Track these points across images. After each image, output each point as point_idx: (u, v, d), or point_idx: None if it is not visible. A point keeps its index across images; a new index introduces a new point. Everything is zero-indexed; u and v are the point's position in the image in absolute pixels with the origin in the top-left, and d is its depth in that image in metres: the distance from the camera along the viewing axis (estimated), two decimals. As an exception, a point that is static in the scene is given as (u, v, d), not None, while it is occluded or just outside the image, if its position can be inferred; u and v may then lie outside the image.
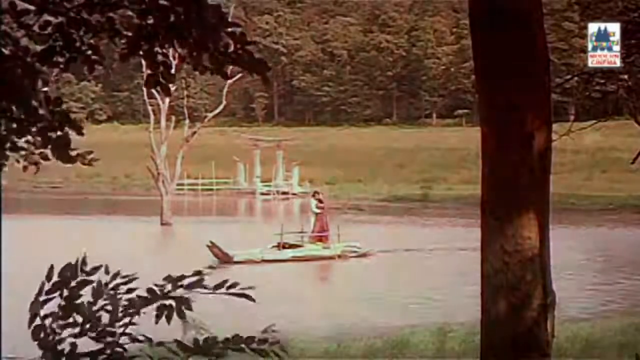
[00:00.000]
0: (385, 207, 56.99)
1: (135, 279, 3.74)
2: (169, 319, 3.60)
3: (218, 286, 3.71)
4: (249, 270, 28.07)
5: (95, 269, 3.73)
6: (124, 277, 3.73)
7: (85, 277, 3.71)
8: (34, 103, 4.20)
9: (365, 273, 28.45)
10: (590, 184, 64.32)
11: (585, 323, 17.55)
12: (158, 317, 3.61)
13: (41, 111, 4.23)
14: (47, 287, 3.72)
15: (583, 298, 23.08)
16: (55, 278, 3.71)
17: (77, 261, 3.74)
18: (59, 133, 4.29)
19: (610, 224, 44.76)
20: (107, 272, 3.76)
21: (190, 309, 3.62)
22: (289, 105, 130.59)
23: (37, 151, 4.44)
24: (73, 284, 3.69)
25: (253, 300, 3.68)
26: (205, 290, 3.68)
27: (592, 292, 24.49)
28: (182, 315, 3.59)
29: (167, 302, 3.62)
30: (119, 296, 3.68)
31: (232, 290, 3.72)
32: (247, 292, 3.74)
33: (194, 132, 48.09)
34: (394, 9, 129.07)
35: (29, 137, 4.33)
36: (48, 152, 4.38)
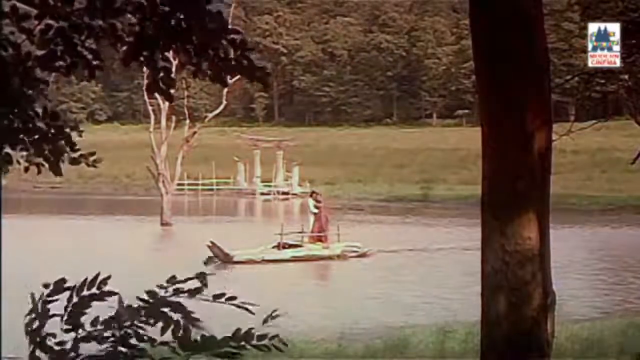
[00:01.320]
0: (386, 207, 57.00)
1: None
2: (175, 333, 3.60)
3: (217, 296, 3.71)
4: (249, 270, 28.09)
5: (111, 294, 3.73)
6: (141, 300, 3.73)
7: (98, 293, 3.72)
8: (31, 114, 4.21)
9: (365, 273, 28.43)
10: (590, 184, 64.28)
11: (585, 323, 17.54)
12: (163, 329, 3.61)
13: (38, 123, 4.25)
14: (51, 289, 3.72)
15: (597, 298, 23.17)
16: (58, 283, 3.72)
17: (97, 276, 3.75)
18: (51, 146, 4.31)
19: (614, 224, 44.83)
20: (120, 301, 3.76)
21: (197, 325, 3.63)
22: (289, 106, 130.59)
23: (36, 160, 4.45)
24: (85, 293, 3.69)
25: (252, 313, 3.69)
26: (205, 298, 3.68)
27: (605, 291, 24.52)
28: (187, 334, 3.59)
29: (174, 316, 3.62)
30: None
31: (233, 302, 3.71)
32: (248, 305, 3.74)
33: (194, 132, 48.08)
34: (394, 9, 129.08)
35: (25, 145, 4.34)
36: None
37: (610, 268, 29.57)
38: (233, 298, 3.72)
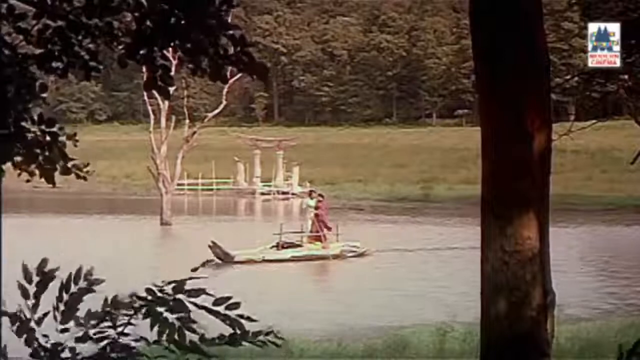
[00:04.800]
0: (386, 207, 56.98)
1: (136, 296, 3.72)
2: (161, 334, 3.56)
3: (217, 302, 3.68)
4: (249, 270, 28.09)
5: (98, 281, 3.71)
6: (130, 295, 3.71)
7: (87, 286, 3.69)
8: (26, 120, 4.19)
9: (369, 271, 28.42)
10: (590, 184, 64.27)
11: (585, 323, 17.54)
12: (160, 334, 3.59)
13: (33, 129, 4.23)
14: (31, 289, 3.67)
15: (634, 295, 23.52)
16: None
17: (79, 268, 3.72)
18: (46, 154, 4.29)
19: (623, 223, 45.03)
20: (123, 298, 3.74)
21: (190, 320, 3.61)
22: (289, 105, 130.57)
23: (31, 166, 4.43)
24: (74, 289, 3.66)
25: (253, 320, 3.67)
26: (203, 305, 3.66)
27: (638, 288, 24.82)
28: (182, 338, 3.55)
29: (170, 317, 3.59)
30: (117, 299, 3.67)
31: (229, 313, 3.68)
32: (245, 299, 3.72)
33: (194, 132, 48.09)
34: (394, 9, 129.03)
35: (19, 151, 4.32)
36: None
37: (637, 265, 29.78)
38: (235, 305, 3.68)
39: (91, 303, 3.72)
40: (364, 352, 14.70)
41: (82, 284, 3.69)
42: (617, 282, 26.21)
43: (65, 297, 3.64)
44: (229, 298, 3.70)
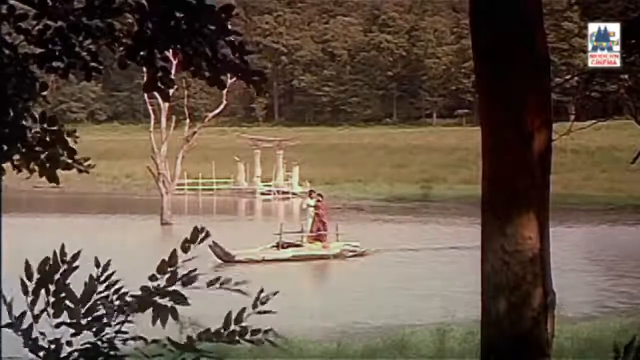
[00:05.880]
0: (386, 207, 56.95)
1: (118, 280, 3.73)
2: (164, 321, 3.57)
3: (211, 283, 3.70)
4: (250, 269, 28.06)
5: (75, 257, 3.71)
6: (110, 275, 3.71)
7: (67, 267, 3.69)
8: (27, 119, 4.20)
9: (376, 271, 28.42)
10: (590, 183, 64.25)
11: (585, 323, 17.54)
12: (154, 319, 3.59)
13: (33, 128, 4.23)
14: (30, 286, 3.68)
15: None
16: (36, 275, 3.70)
17: (54, 253, 3.73)
18: (47, 152, 4.29)
19: (624, 223, 45.08)
20: (97, 264, 3.75)
21: (186, 303, 3.61)
22: (289, 105, 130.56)
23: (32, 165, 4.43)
24: (57, 276, 3.67)
25: (246, 294, 3.67)
26: (199, 286, 3.67)
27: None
28: (175, 316, 3.57)
29: (162, 301, 3.60)
30: (112, 296, 3.67)
31: (225, 286, 3.70)
32: (240, 287, 3.72)
33: (194, 132, 48.07)
34: (394, 9, 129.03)
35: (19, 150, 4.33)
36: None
37: None
38: (227, 281, 3.70)
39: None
40: (364, 352, 14.69)
41: (63, 267, 3.69)
42: (624, 281, 26.27)
43: (52, 287, 3.64)
44: (219, 278, 3.71)
